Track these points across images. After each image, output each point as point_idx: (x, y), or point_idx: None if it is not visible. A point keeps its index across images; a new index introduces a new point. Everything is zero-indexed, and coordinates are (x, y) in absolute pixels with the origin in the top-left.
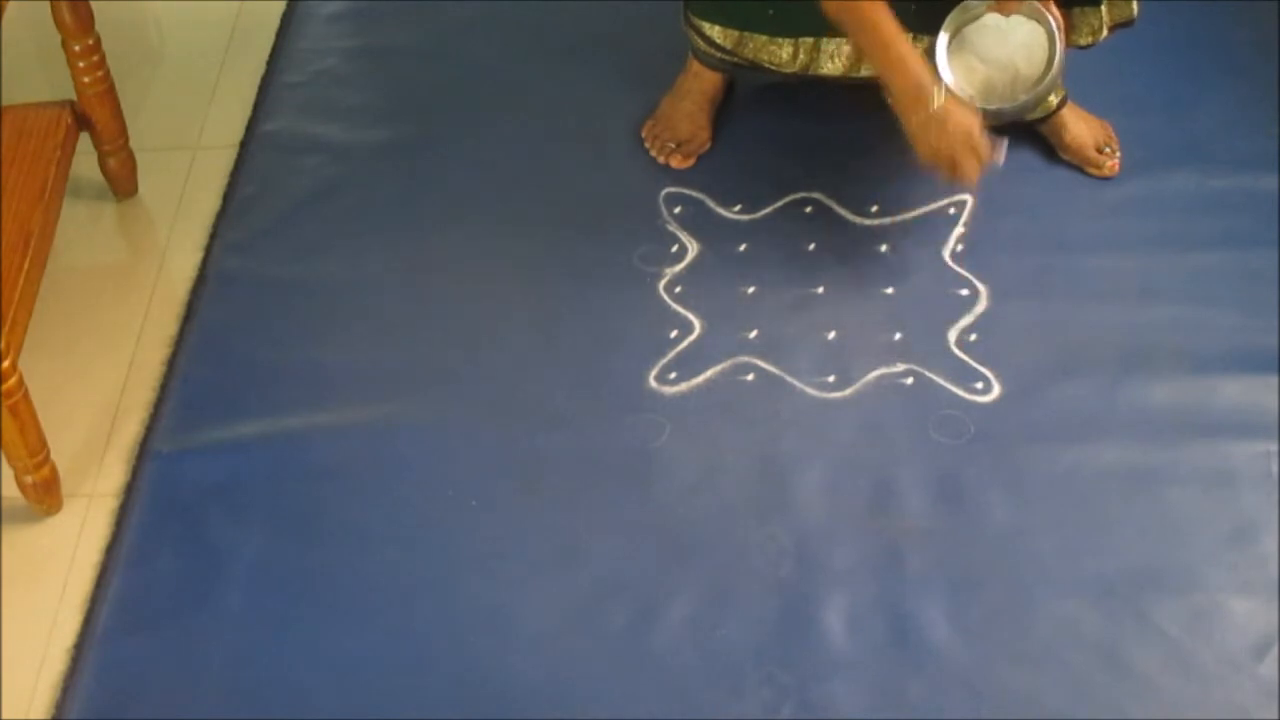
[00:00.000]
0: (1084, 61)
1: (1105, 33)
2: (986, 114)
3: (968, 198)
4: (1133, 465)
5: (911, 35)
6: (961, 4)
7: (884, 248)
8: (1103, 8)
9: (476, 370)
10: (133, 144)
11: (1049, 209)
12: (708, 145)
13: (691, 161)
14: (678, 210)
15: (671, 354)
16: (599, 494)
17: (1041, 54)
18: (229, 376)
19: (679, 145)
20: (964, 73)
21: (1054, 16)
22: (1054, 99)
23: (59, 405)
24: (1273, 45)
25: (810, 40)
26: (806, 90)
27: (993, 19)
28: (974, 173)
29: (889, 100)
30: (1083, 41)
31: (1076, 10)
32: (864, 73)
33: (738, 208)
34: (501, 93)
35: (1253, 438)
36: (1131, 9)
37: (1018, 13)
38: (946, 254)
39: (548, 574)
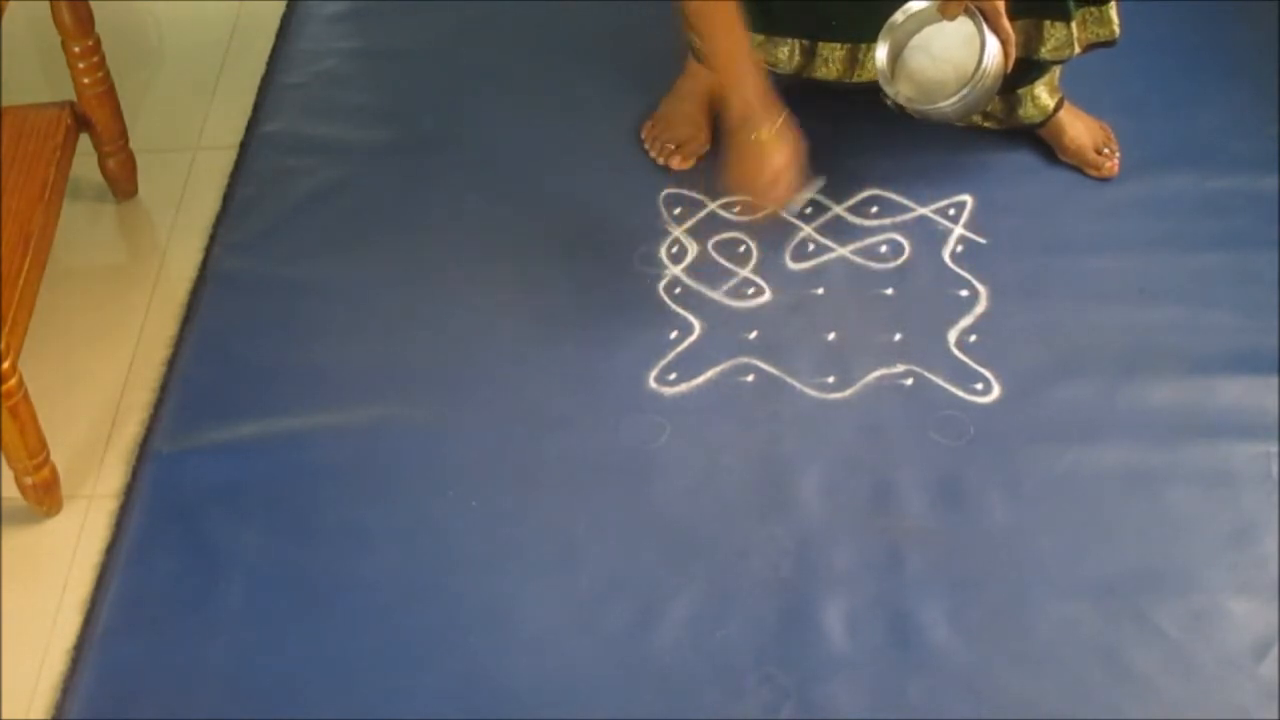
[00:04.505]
0: (1083, 62)
1: (1077, 49)
2: (930, 112)
3: (968, 198)
4: (1132, 466)
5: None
6: (904, 6)
7: (884, 248)
8: (1072, 24)
9: (476, 370)
10: (133, 145)
11: (1049, 209)
12: (707, 146)
13: (691, 163)
14: (678, 211)
15: (671, 354)
16: (599, 494)
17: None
18: (229, 377)
19: (678, 146)
20: (915, 70)
21: (1000, 27)
22: (1050, 101)
23: (59, 406)
24: (1273, 45)
25: (806, 43)
26: (805, 91)
27: (947, 21)
28: (770, 204)
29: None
30: (1050, 56)
31: (1046, 23)
32: (858, 79)
33: (737, 208)
34: (501, 93)
35: (1253, 438)
36: (1112, 30)
37: (961, 15)
38: (946, 254)
39: (548, 574)
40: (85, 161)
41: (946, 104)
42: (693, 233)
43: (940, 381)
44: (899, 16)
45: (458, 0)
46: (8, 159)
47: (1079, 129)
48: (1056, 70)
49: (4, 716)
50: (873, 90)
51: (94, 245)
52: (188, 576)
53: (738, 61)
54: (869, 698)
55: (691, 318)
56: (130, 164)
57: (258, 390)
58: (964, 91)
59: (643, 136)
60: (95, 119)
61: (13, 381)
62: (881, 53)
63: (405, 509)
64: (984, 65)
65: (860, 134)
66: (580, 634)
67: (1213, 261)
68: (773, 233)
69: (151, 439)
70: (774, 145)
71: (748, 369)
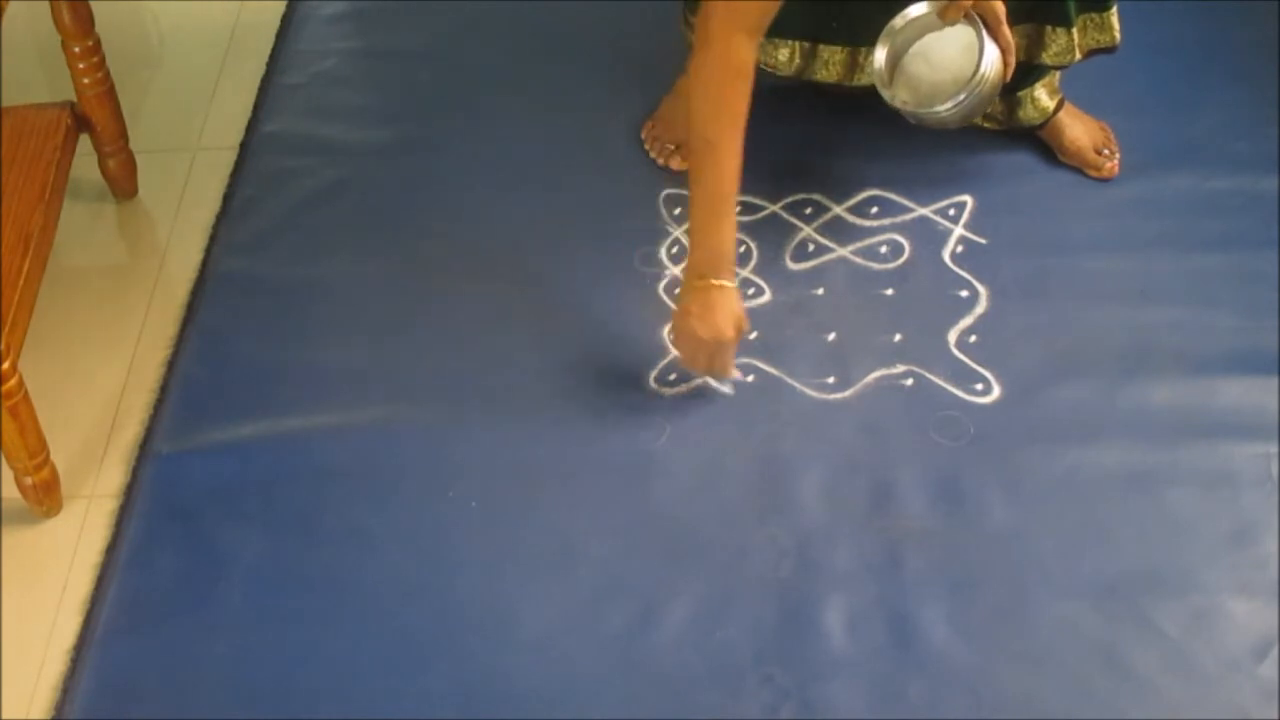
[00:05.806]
0: (1083, 64)
1: (1078, 55)
2: (926, 116)
3: (968, 199)
4: (1133, 466)
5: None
6: (903, 11)
7: (884, 248)
8: (1073, 31)
9: (476, 370)
10: (132, 145)
11: (1049, 210)
12: None
13: None
14: (678, 211)
15: (672, 355)
16: (599, 495)
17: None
18: (229, 377)
19: (678, 146)
20: (913, 77)
21: (1000, 34)
22: (1050, 103)
23: (59, 406)
24: (1273, 45)
25: (807, 44)
26: (806, 91)
27: (948, 27)
28: (698, 366)
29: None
30: (1051, 61)
31: (1048, 29)
32: (858, 82)
33: (737, 209)
34: (501, 93)
35: (1253, 439)
36: (1113, 36)
37: (960, 21)
38: (946, 255)
39: (547, 574)
40: (85, 161)
41: (942, 109)
42: None
43: (940, 382)
44: (898, 22)
45: (458, 0)
46: (8, 159)
47: (1079, 130)
48: (1057, 72)
49: (4, 716)
50: (873, 93)
51: (94, 245)
52: (188, 576)
53: (723, 206)
54: (869, 698)
55: None
56: (130, 164)
57: (258, 390)
58: (960, 97)
59: (643, 136)
60: (95, 119)
61: (13, 381)
62: (880, 56)
63: (405, 509)
64: (981, 71)
65: (860, 135)
66: (580, 634)
67: (1213, 261)
68: (773, 232)
69: (151, 439)
70: (729, 300)
71: (748, 369)
